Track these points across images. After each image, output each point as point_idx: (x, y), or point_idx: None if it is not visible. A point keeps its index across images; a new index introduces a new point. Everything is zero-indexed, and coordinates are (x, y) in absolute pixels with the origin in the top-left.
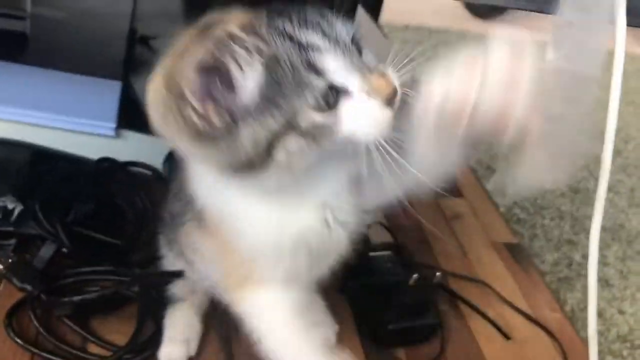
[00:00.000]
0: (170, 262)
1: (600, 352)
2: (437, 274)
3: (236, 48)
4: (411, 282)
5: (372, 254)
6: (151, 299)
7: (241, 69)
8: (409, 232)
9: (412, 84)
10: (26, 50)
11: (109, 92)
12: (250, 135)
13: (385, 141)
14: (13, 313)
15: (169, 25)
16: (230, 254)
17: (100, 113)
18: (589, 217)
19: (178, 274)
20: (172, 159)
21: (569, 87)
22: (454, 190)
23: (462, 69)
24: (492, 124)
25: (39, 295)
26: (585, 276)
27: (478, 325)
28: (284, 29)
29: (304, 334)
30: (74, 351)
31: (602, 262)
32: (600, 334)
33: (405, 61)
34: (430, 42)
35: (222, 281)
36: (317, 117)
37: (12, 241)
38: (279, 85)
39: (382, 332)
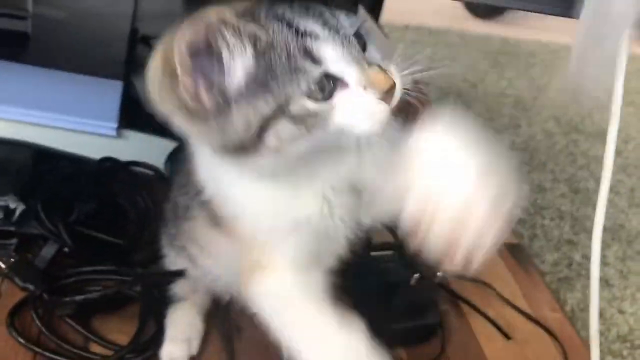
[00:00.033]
0: (172, 261)
1: (600, 352)
2: (438, 274)
3: (226, 32)
4: (412, 282)
5: (373, 253)
6: (153, 299)
7: (230, 52)
8: None
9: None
10: (28, 50)
11: (111, 92)
12: (242, 117)
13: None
14: (15, 312)
15: (170, 25)
16: (240, 240)
17: (102, 113)
18: (589, 217)
19: (180, 274)
20: (173, 158)
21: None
22: None
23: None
24: (439, 253)
25: (41, 294)
26: (586, 276)
27: (478, 325)
28: (284, 15)
29: (319, 316)
30: (76, 351)
31: (603, 262)
32: (600, 333)
33: (409, 61)
34: (430, 42)
35: (232, 273)
36: (310, 105)
37: (14, 241)
38: (272, 70)
39: (383, 332)
